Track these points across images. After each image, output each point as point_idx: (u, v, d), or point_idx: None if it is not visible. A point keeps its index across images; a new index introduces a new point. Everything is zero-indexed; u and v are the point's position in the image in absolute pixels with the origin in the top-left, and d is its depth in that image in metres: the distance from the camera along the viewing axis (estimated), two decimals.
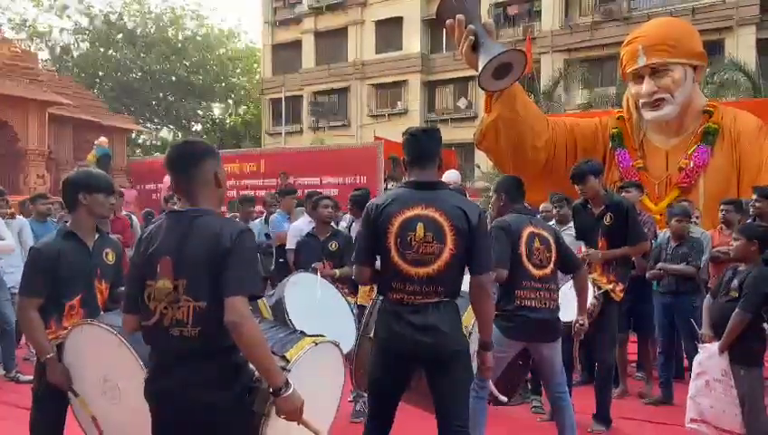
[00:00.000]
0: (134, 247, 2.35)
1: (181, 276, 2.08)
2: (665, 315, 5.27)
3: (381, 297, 2.93)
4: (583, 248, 4.82)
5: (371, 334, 2.96)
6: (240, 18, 69.55)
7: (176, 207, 2.29)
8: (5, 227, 5.81)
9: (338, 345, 2.62)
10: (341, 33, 29.25)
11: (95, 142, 15.46)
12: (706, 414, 3.87)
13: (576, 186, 4.72)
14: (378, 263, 2.93)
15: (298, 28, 30.38)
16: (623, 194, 5.89)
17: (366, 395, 3.69)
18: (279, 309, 3.45)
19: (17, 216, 6.62)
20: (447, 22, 6.44)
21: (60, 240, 2.92)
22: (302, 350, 2.31)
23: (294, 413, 2.06)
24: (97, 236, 3.02)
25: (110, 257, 3.04)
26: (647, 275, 5.34)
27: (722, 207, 5.65)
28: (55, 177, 19.32)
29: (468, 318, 3.11)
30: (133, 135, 29.10)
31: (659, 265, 5.26)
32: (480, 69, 6.05)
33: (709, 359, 3.88)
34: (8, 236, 5.93)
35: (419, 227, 2.78)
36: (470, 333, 3.12)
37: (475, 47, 6.21)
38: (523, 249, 3.64)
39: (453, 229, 2.78)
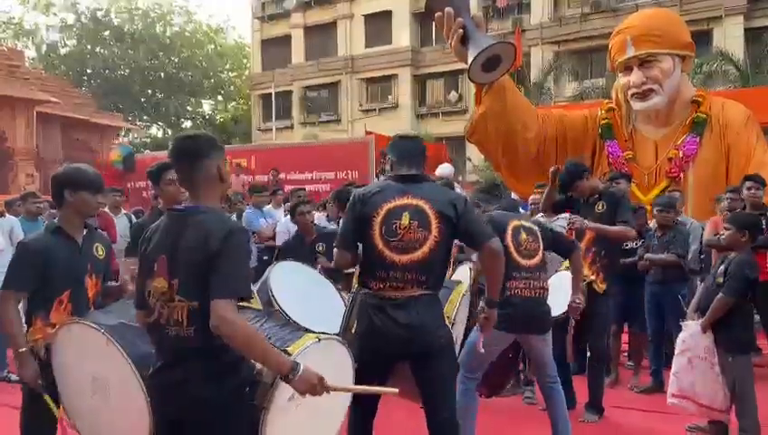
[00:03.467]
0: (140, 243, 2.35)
1: (175, 276, 2.08)
2: (653, 304, 5.32)
3: (362, 290, 2.95)
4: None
5: (353, 329, 2.98)
6: (228, 14, 69.21)
7: (179, 205, 2.29)
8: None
9: (344, 344, 2.61)
10: (330, 27, 29.14)
11: (117, 142, 15.40)
12: (687, 391, 3.91)
13: (569, 193, 4.79)
14: (360, 251, 2.97)
15: (287, 23, 30.24)
16: (613, 185, 5.94)
17: None
18: (263, 290, 3.40)
19: (6, 215, 6.57)
20: (436, 15, 6.45)
21: (48, 235, 2.92)
22: (303, 345, 2.32)
23: (315, 389, 2.04)
24: (85, 231, 3.01)
25: (100, 252, 3.04)
26: (638, 265, 5.38)
27: (727, 194, 5.69)
28: (44, 175, 19.16)
29: (450, 308, 3.15)
30: (122, 133, 28.92)
31: (646, 255, 5.30)
32: (469, 62, 6.06)
33: (692, 337, 3.92)
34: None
35: (405, 216, 2.83)
36: (452, 324, 3.15)
37: (464, 40, 6.22)
38: (509, 241, 3.68)
39: (438, 217, 2.83)
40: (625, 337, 5.83)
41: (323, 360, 2.44)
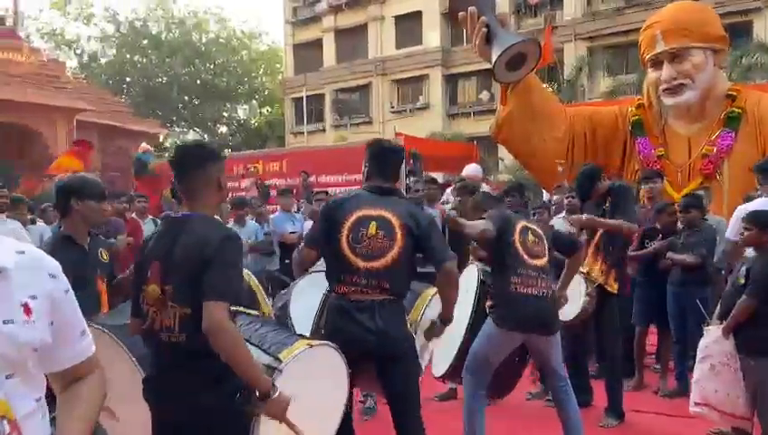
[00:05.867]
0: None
1: (168, 282, 2.11)
2: (675, 306, 5.17)
3: (331, 294, 3.03)
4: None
5: (323, 331, 3.05)
6: (261, 19, 70.09)
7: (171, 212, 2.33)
8: (25, 233, 5.93)
9: (337, 349, 2.65)
10: (361, 29, 29.23)
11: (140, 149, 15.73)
12: (711, 398, 3.79)
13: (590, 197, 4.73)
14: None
15: (318, 27, 30.46)
16: (649, 186, 5.83)
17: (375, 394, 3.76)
18: (283, 314, 3.48)
19: (38, 221, 6.76)
20: (460, 15, 6.41)
21: (58, 244, 2.99)
22: (296, 351, 2.33)
23: (281, 415, 2.08)
24: (89, 238, 3.09)
25: (105, 256, 3.16)
26: (659, 264, 5.25)
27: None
28: None
29: (415, 313, 3.20)
30: (160, 139, 29.48)
31: (668, 254, 5.17)
32: (493, 61, 6.01)
33: (714, 343, 3.80)
34: (26, 241, 6.04)
35: (372, 226, 2.92)
36: (416, 329, 3.17)
37: (488, 39, 6.17)
38: (516, 237, 3.67)
39: (403, 229, 2.93)
40: (653, 338, 5.68)
41: (317, 366, 2.45)
